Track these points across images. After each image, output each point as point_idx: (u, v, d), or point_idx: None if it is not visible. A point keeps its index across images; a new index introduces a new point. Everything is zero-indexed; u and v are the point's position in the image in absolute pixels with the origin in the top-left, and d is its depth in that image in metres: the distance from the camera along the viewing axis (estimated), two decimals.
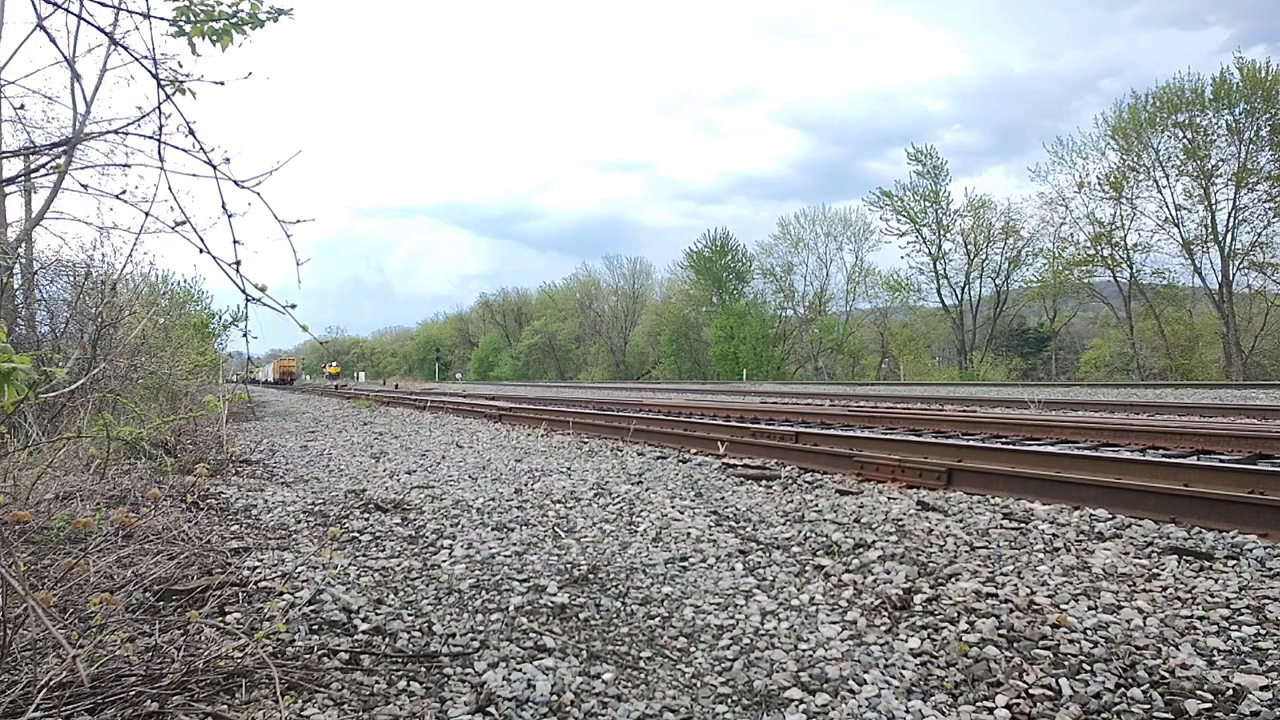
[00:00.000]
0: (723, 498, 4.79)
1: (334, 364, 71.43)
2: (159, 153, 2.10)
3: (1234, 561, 3.13)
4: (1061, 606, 2.69)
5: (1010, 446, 5.90)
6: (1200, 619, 2.55)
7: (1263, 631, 2.45)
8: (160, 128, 2.11)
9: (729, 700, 2.18)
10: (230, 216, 2.02)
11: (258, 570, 3.25)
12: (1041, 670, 2.25)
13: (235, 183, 2.06)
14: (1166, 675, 2.19)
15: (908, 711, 2.07)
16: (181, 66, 2.17)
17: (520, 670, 2.29)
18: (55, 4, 2.04)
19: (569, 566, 3.37)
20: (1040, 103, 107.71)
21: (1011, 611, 2.66)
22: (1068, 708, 2.05)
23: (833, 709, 2.10)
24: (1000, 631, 2.51)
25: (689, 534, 3.88)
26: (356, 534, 4.02)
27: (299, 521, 4.37)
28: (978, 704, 2.10)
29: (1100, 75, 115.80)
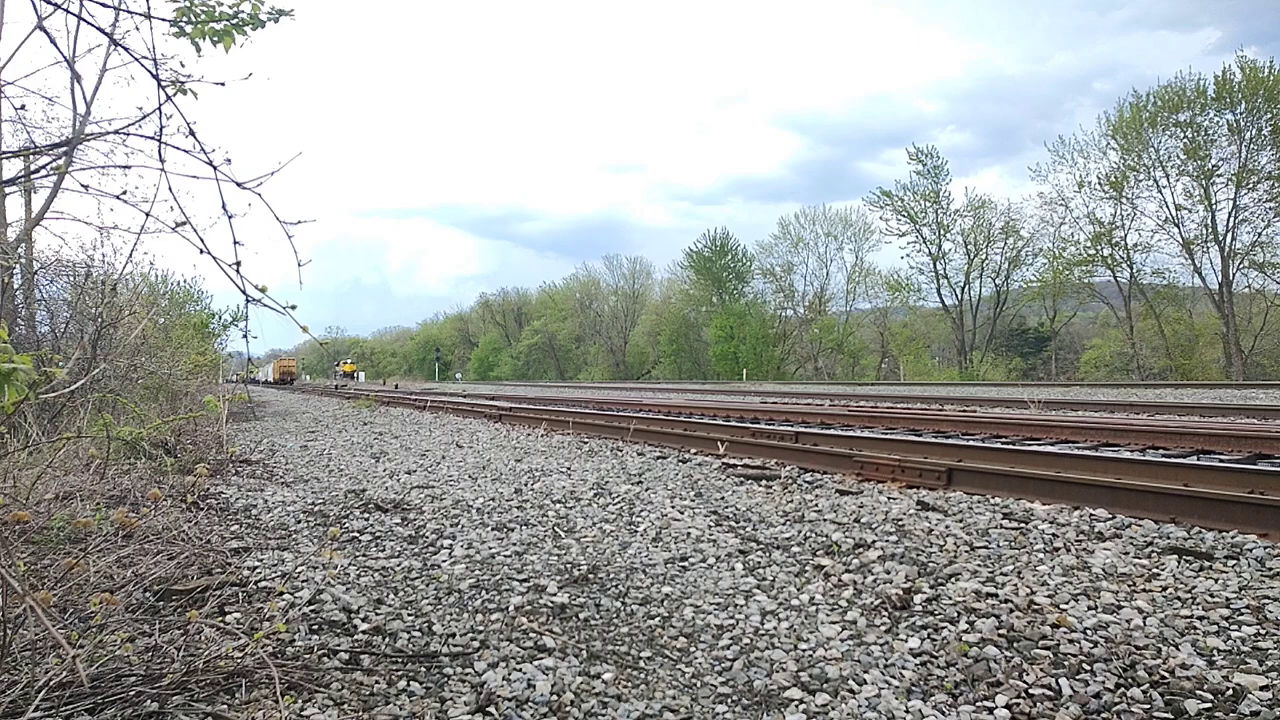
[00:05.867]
0: (723, 498, 4.79)
1: (349, 360, 70.48)
2: (159, 153, 2.10)
3: (1234, 561, 3.13)
4: (1061, 606, 2.69)
5: (1010, 446, 5.90)
6: (1200, 619, 2.55)
7: (1263, 631, 2.45)
8: (161, 128, 2.11)
9: (729, 700, 2.18)
10: (230, 217, 2.02)
11: (258, 570, 3.25)
12: (1041, 670, 2.25)
13: (236, 184, 2.06)
14: (1166, 675, 2.19)
15: (908, 711, 2.07)
16: (183, 67, 2.17)
17: (520, 670, 2.29)
18: (55, 4, 2.05)
19: (569, 566, 3.37)
20: (1033, 104, 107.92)
21: (1011, 611, 2.66)
22: (1068, 708, 2.05)
23: (833, 709, 2.10)
24: (1000, 631, 2.51)
25: (689, 534, 3.88)
26: (356, 534, 4.03)
27: (299, 521, 4.38)
28: (978, 704, 2.10)
29: (1093, 77, 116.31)
